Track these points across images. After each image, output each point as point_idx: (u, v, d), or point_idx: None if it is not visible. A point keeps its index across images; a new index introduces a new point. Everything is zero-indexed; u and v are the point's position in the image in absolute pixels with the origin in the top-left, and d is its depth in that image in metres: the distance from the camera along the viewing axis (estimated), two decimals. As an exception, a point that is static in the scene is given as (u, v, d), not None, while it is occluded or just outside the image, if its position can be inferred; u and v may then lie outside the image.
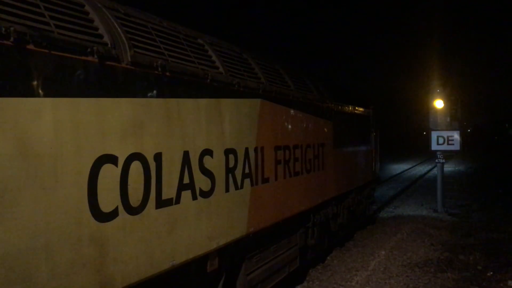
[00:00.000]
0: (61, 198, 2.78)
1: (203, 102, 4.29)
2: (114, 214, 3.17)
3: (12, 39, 2.47)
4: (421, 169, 34.10)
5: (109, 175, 3.14)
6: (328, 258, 8.89)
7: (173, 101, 3.86)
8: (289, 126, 6.22)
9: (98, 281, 3.04)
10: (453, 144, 14.02)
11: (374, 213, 13.45)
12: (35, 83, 2.63)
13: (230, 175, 4.69)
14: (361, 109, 10.40)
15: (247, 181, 5.03)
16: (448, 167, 18.41)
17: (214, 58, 4.68)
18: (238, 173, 4.85)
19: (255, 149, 5.23)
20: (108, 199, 3.12)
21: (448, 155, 15.23)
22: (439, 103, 15.03)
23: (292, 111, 6.31)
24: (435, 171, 17.20)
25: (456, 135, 14.03)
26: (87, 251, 2.96)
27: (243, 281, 5.28)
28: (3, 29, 2.43)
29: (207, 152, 4.31)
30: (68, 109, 2.84)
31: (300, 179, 6.53)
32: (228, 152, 4.67)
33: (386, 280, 7.28)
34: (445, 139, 14.04)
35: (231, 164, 4.72)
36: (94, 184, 3.01)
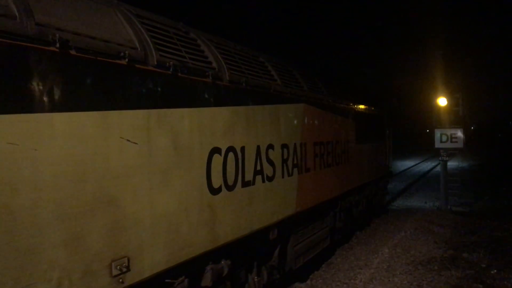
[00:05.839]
0: (193, 177, 4.04)
1: (267, 107, 5.54)
2: (219, 190, 4.43)
3: (171, 70, 3.72)
4: (425, 166, 34.95)
5: (217, 162, 4.39)
6: (332, 256, 8.87)
7: (250, 108, 5.11)
8: (324, 125, 7.47)
9: (211, 236, 4.30)
10: (456, 142, 14.13)
11: (387, 204, 14.67)
12: (180, 98, 3.89)
13: (284, 164, 5.94)
14: (377, 109, 11.65)
15: (295, 170, 6.27)
16: (452, 164, 18.66)
17: (272, 72, 5.92)
18: (290, 163, 6.10)
19: (301, 144, 6.48)
20: (216, 179, 4.38)
21: (452, 153, 15.05)
22: (442, 101, 15.25)
23: (325, 113, 7.55)
24: (438, 168, 17.33)
25: (459, 133, 14.12)
26: (206, 215, 4.22)
27: (290, 251, 6.54)
28: (167, 63, 3.68)
29: (270, 146, 5.56)
30: (196, 115, 4.09)
31: (332, 170, 7.78)
32: (283, 146, 5.91)
33: (390, 278, 7.27)
34: (449, 136, 14.12)
35: (285, 156, 5.97)
36: (209, 168, 4.26)
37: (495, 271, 7.47)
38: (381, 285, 6.94)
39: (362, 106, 9.99)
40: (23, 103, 2.54)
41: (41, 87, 2.64)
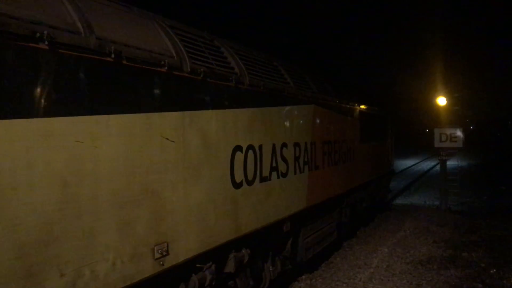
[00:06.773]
0: (219, 172, 4.46)
1: (282, 108, 5.96)
2: (241, 184, 4.85)
3: (201, 76, 4.14)
4: (425, 165, 35.22)
5: (239, 158, 4.81)
6: (331, 255, 8.91)
7: (266, 109, 5.52)
8: (331, 125, 7.90)
9: (234, 226, 4.72)
10: (456, 141, 14.05)
11: (388, 202, 15.09)
12: (208, 101, 4.30)
13: (296, 162, 6.35)
14: (380, 110, 12.09)
15: (306, 167, 6.69)
16: (451, 163, 18.66)
17: (286, 76, 6.34)
18: (301, 160, 6.52)
19: (311, 143, 6.90)
20: (238, 174, 4.80)
21: (451, 152, 14.92)
22: (442, 101, 15.41)
23: (333, 113, 7.98)
24: (438, 168, 17.36)
25: (458, 132, 14.06)
26: (229, 207, 4.64)
27: (301, 243, 6.96)
28: (197, 70, 4.09)
29: (284, 145, 5.97)
30: (221, 116, 4.51)
31: (338, 168, 8.20)
32: (295, 145, 6.33)
33: (389, 278, 7.29)
34: (448, 136, 14.02)
35: (297, 154, 6.39)
36: (233, 164, 4.68)
37: (494, 270, 7.52)
38: (380, 285, 7.00)
39: (366, 107, 10.42)
40: (87, 106, 2.96)
41: (99, 92, 3.06)
